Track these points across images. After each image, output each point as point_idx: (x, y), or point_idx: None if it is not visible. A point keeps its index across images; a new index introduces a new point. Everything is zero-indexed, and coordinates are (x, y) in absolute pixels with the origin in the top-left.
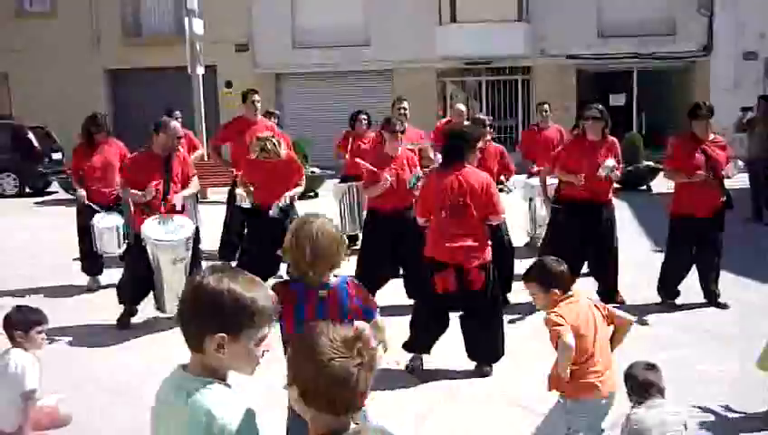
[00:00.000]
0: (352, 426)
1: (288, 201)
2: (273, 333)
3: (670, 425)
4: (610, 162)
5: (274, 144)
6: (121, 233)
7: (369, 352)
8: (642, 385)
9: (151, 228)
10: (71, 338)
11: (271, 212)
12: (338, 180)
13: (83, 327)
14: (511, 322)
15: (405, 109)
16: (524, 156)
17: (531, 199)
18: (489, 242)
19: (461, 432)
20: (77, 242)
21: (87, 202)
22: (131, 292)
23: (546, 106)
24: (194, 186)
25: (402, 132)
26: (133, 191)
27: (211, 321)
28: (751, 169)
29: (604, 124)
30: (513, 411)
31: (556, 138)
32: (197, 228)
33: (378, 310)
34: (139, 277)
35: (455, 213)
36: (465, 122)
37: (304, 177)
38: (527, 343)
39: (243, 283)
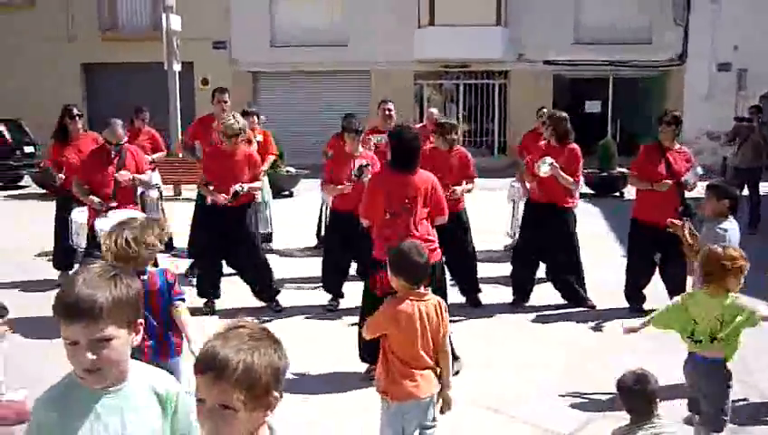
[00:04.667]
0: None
1: (244, 188)
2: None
3: None
4: (547, 159)
5: (230, 123)
6: None
7: None
8: (643, 401)
9: (104, 222)
10: (35, 332)
11: (221, 199)
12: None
13: (48, 321)
14: (493, 322)
15: (390, 110)
16: (520, 154)
17: (514, 202)
18: (435, 243)
19: None
20: (53, 235)
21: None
22: None
23: (544, 110)
24: (146, 175)
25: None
26: (92, 198)
27: None
28: (747, 176)
29: (551, 127)
30: (483, 414)
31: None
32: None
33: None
34: None
35: (398, 214)
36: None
37: (262, 174)
38: (500, 346)
39: (83, 276)
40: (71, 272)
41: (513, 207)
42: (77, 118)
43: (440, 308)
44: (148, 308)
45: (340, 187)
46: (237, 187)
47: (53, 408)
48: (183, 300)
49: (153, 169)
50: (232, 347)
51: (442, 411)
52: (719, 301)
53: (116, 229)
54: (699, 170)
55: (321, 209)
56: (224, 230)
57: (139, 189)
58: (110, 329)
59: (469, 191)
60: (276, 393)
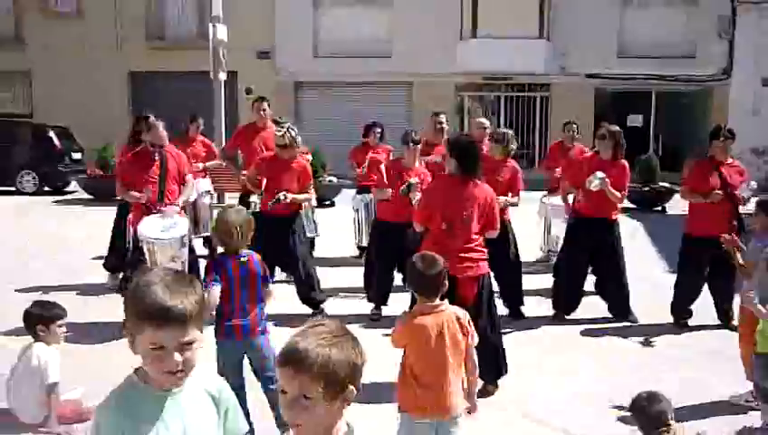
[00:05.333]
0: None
1: (287, 199)
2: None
3: None
4: (599, 174)
5: (292, 136)
6: None
7: None
8: (652, 420)
9: (148, 227)
10: (86, 334)
11: (262, 203)
12: (355, 191)
13: (98, 322)
14: (537, 335)
15: (442, 122)
16: (547, 167)
17: (545, 218)
18: (485, 256)
19: None
20: (109, 237)
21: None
22: None
23: (574, 126)
24: (189, 185)
25: (416, 143)
26: (133, 193)
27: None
28: None
29: (612, 143)
30: (527, 425)
31: (579, 156)
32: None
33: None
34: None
35: (454, 225)
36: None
37: (312, 187)
38: (545, 356)
39: (159, 281)
40: (120, 275)
41: (545, 224)
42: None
43: (460, 320)
44: (245, 287)
45: (388, 191)
46: (281, 195)
47: (117, 410)
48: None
49: (204, 176)
50: (312, 342)
51: (469, 412)
52: None
53: (229, 210)
54: (753, 184)
55: (356, 219)
56: (271, 237)
57: (192, 196)
58: (194, 333)
59: (514, 205)
60: (353, 387)
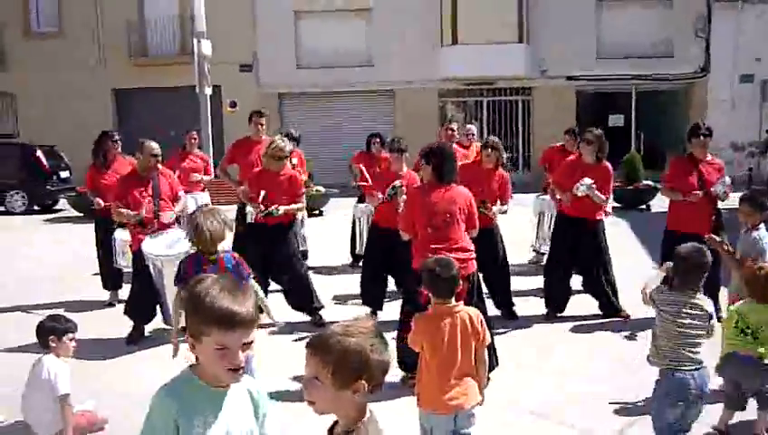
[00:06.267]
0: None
1: (280, 211)
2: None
3: None
4: (587, 181)
5: (281, 146)
6: None
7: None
8: (701, 270)
9: (151, 245)
10: (90, 350)
11: (255, 212)
12: (356, 200)
13: (99, 340)
14: (531, 332)
15: (453, 129)
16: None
17: (541, 214)
18: (473, 254)
19: None
20: (97, 259)
21: (103, 214)
22: (138, 311)
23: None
24: (181, 201)
25: (401, 151)
26: (126, 211)
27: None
28: None
29: (596, 148)
30: (527, 420)
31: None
32: None
33: (251, 275)
34: (145, 296)
35: (440, 228)
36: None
37: (304, 197)
38: (539, 353)
39: (220, 289)
40: (119, 290)
41: (539, 221)
42: (117, 142)
43: (473, 320)
44: None
45: (377, 195)
46: (273, 208)
47: (173, 399)
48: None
49: (203, 190)
50: (337, 331)
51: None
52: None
53: (208, 215)
54: (727, 180)
55: (355, 227)
56: (268, 248)
57: (191, 209)
58: (254, 334)
59: (504, 213)
60: (363, 382)
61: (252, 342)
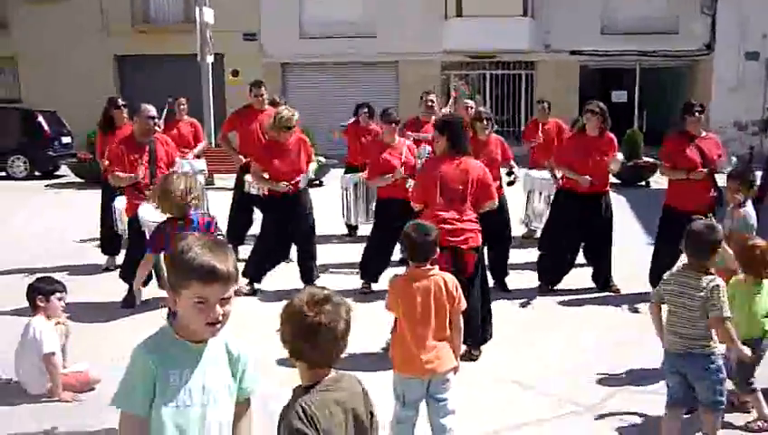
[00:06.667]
0: (331, 374)
1: (310, 174)
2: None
3: None
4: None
5: (289, 116)
6: None
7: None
8: (712, 247)
9: (147, 211)
10: (87, 313)
11: (301, 184)
12: (343, 171)
13: (95, 304)
14: (523, 305)
15: (432, 101)
16: (526, 140)
17: (530, 192)
18: (479, 227)
19: (464, 412)
20: (99, 221)
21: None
22: (134, 276)
23: (545, 104)
24: (177, 168)
25: (395, 123)
26: (122, 174)
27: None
28: None
29: (602, 120)
30: (516, 390)
31: (554, 131)
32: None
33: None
34: (140, 260)
35: (453, 200)
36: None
37: (314, 155)
38: (530, 325)
39: (201, 245)
40: (118, 256)
41: (528, 198)
42: (122, 108)
43: (447, 285)
44: None
45: (388, 176)
46: (302, 177)
47: (151, 353)
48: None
49: (199, 157)
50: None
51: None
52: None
53: (187, 177)
54: (734, 159)
55: (344, 197)
56: (288, 215)
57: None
58: (232, 289)
59: (514, 182)
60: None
61: (230, 298)
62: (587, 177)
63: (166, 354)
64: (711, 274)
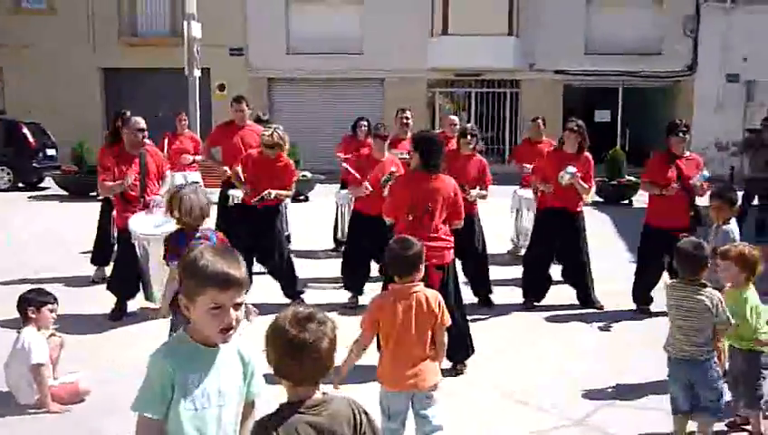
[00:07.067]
0: (318, 394)
1: (271, 195)
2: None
3: None
4: (570, 169)
5: (279, 135)
6: None
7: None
8: (701, 264)
9: (138, 223)
10: (78, 323)
11: (248, 198)
12: (339, 186)
13: (82, 316)
14: (509, 321)
15: (408, 118)
16: (517, 162)
17: (517, 210)
18: (451, 245)
19: (451, 427)
20: (96, 230)
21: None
22: (122, 288)
23: (539, 121)
24: (167, 181)
25: (384, 138)
26: (110, 183)
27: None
28: (758, 186)
29: (580, 138)
30: (504, 404)
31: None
32: None
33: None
34: (129, 273)
35: (422, 216)
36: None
37: (294, 184)
38: (516, 341)
39: (213, 253)
40: (107, 267)
41: (517, 216)
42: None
43: (429, 301)
44: None
45: (365, 186)
46: (266, 193)
47: (170, 359)
48: None
49: (195, 169)
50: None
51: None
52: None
53: (193, 191)
54: (705, 173)
55: (337, 213)
56: (255, 230)
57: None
58: (243, 296)
59: (484, 197)
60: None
61: (242, 303)
62: (549, 184)
63: (183, 359)
64: (707, 285)
